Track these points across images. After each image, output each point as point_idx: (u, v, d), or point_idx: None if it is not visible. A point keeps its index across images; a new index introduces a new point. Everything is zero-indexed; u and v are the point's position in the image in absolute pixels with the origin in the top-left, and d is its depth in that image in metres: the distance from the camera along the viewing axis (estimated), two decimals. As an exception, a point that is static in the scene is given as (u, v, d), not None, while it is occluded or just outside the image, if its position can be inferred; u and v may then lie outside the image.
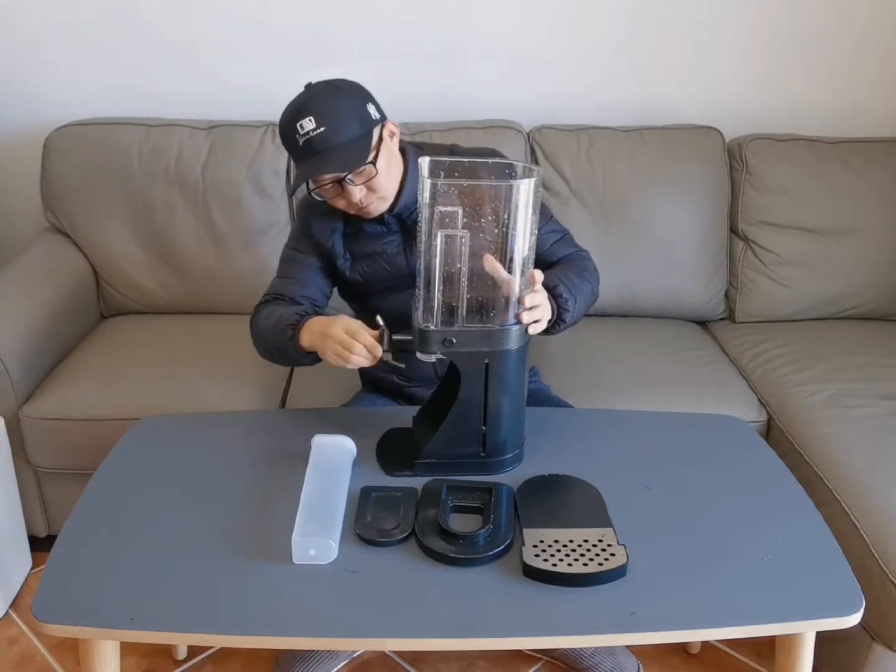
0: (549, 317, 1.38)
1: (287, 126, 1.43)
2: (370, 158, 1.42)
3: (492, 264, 1.26)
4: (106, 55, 2.34)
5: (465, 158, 1.37)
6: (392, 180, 1.50)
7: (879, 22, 2.35)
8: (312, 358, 1.44)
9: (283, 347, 1.46)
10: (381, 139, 1.46)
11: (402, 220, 1.56)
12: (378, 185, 1.46)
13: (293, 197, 1.47)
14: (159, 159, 2.19)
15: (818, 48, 2.37)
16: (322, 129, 1.39)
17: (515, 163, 1.31)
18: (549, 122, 2.31)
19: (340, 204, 1.50)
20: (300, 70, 2.33)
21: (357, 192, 1.45)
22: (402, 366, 1.38)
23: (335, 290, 1.69)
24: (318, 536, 1.17)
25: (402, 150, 1.56)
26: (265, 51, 2.34)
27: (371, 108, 1.45)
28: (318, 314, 1.46)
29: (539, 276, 1.31)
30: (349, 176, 1.43)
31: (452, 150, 1.62)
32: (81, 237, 2.25)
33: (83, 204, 2.22)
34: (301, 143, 1.41)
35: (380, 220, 1.55)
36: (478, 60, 2.36)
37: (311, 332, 1.41)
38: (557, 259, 1.60)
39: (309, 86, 1.47)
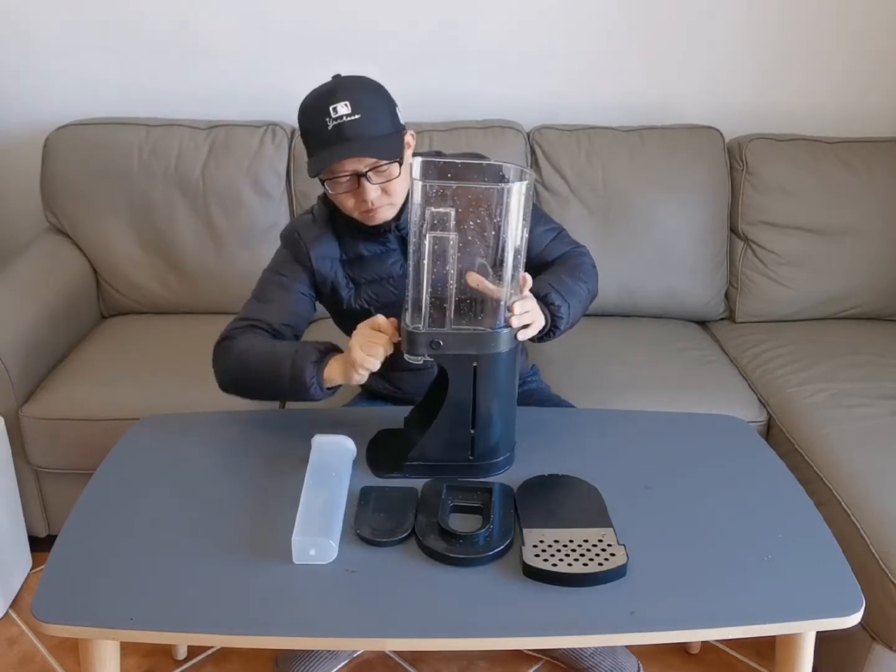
0: (542, 323, 1.36)
1: (317, 107, 1.37)
2: (398, 158, 1.39)
3: (476, 280, 1.24)
4: (106, 55, 2.34)
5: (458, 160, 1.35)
6: (404, 188, 1.45)
7: (879, 22, 2.35)
8: (326, 394, 1.40)
9: (297, 385, 1.38)
10: (405, 146, 1.44)
11: (404, 237, 1.50)
12: (393, 189, 1.42)
13: (316, 178, 1.40)
14: (159, 159, 2.19)
15: (818, 48, 2.37)
16: (358, 116, 1.35)
17: (508, 165, 1.29)
18: (549, 122, 2.31)
19: (349, 203, 1.44)
20: (300, 70, 2.35)
21: (373, 191, 1.40)
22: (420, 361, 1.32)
23: (330, 317, 1.65)
24: (318, 536, 1.17)
25: None
26: (265, 51, 2.34)
27: (398, 114, 1.44)
28: (336, 350, 1.41)
29: (528, 281, 1.29)
30: (370, 172, 1.38)
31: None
32: (81, 237, 2.25)
33: (83, 204, 2.22)
34: (330, 127, 1.35)
35: (377, 238, 1.51)
36: (478, 60, 2.36)
37: (333, 365, 1.38)
38: (554, 258, 1.57)
39: (338, 76, 1.43)
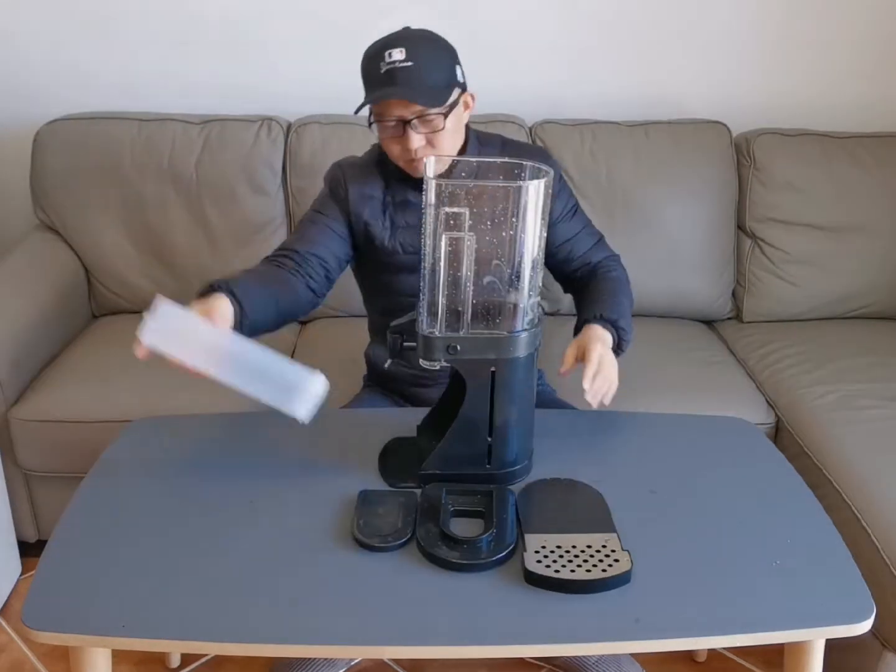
0: (615, 379, 1.42)
1: (374, 51, 1.41)
2: (444, 109, 1.41)
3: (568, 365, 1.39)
4: (97, 48, 2.32)
5: (511, 158, 1.34)
6: (452, 145, 1.49)
7: (890, 15, 2.33)
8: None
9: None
10: (456, 102, 1.45)
11: None
12: (438, 142, 1.44)
13: (369, 123, 1.46)
14: (152, 155, 2.17)
15: (828, 40, 2.36)
16: (410, 63, 1.38)
17: (525, 163, 1.28)
18: (551, 116, 2.29)
19: (394, 149, 1.47)
20: (296, 64, 2.34)
21: (416, 140, 1.43)
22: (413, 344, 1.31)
23: (351, 264, 1.65)
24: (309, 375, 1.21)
25: (467, 127, 1.55)
26: (260, 44, 2.33)
27: (458, 71, 1.46)
28: (247, 310, 1.37)
29: (569, 360, 1.41)
30: (415, 120, 1.41)
31: (504, 142, 1.61)
32: (72, 235, 2.24)
33: (74, 201, 2.20)
34: (383, 70, 1.39)
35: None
36: (479, 53, 2.33)
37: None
38: (594, 263, 1.64)
39: (407, 28, 1.46)
